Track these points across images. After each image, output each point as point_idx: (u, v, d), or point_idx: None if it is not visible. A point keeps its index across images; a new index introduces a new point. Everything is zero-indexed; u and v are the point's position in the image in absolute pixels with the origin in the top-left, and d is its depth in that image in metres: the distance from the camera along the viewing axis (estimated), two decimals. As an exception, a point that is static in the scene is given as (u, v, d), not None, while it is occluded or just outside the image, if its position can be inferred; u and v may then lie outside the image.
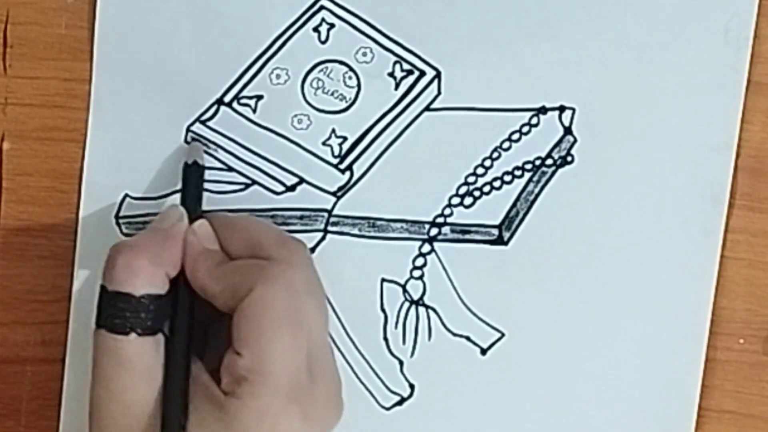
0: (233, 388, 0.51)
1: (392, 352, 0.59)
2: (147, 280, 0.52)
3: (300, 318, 0.52)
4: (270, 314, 0.51)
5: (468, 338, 0.59)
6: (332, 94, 0.58)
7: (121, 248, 0.53)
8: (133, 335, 0.52)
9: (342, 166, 0.58)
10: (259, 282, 0.52)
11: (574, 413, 0.59)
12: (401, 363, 0.59)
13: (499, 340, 0.59)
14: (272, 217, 0.58)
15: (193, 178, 0.57)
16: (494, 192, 0.59)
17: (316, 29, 0.58)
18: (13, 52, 0.58)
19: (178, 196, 0.57)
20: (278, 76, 0.58)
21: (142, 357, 0.52)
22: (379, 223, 0.58)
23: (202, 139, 0.58)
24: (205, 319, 0.55)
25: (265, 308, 0.51)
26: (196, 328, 0.55)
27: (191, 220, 0.55)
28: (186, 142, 0.58)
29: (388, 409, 0.59)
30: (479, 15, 0.58)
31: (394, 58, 0.58)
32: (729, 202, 0.59)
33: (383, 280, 0.59)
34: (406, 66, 0.58)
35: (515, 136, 0.59)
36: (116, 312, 0.52)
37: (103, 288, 0.53)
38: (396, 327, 0.59)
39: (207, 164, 0.58)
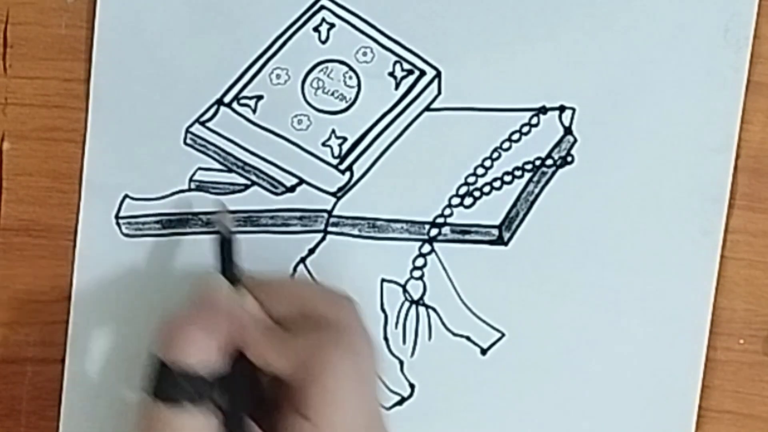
0: None
1: (392, 352, 0.59)
2: (203, 351, 0.52)
3: (364, 380, 0.52)
4: (342, 382, 0.51)
5: (468, 338, 0.59)
6: (332, 94, 0.58)
7: (177, 321, 0.52)
8: (188, 406, 0.51)
9: (342, 167, 0.58)
10: (330, 353, 0.52)
11: (574, 413, 0.59)
12: (401, 363, 0.59)
13: (499, 340, 0.59)
14: (272, 218, 0.58)
15: (228, 250, 0.56)
16: (494, 192, 0.59)
17: (316, 29, 0.58)
18: (13, 52, 0.58)
19: (181, 196, 0.57)
20: (278, 76, 0.58)
21: (197, 428, 0.51)
22: (379, 223, 0.58)
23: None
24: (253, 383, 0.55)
25: (337, 377, 0.51)
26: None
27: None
28: (186, 143, 0.58)
29: (388, 409, 0.59)
30: (479, 15, 0.58)
31: (395, 58, 0.58)
32: (729, 202, 0.59)
33: (383, 280, 0.59)
34: (406, 66, 0.58)
35: (515, 136, 0.59)
36: (172, 383, 0.51)
37: (156, 359, 0.52)
38: (396, 327, 0.59)
39: (205, 165, 0.58)
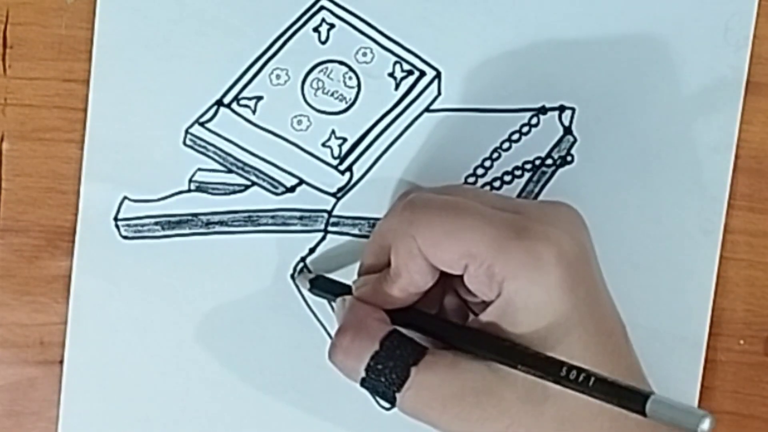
0: None
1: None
2: (364, 342, 0.52)
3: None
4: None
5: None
6: (332, 95, 0.58)
7: (333, 351, 0.53)
8: (412, 372, 0.51)
9: (342, 168, 0.58)
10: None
11: (573, 413, 0.59)
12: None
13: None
14: (272, 217, 0.58)
15: (321, 289, 0.57)
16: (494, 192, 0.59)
17: (316, 29, 0.58)
18: (13, 52, 0.58)
19: (180, 197, 0.58)
20: (278, 77, 0.58)
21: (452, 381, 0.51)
22: (379, 223, 0.58)
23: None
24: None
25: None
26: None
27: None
28: (185, 144, 0.58)
29: (388, 409, 0.59)
30: (479, 15, 0.58)
31: (394, 59, 0.58)
32: (729, 203, 0.59)
33: (383, 280, 0.59)
34: (406, 66, 0.58)
35: (515, 137, 0.59)
36: (383, 380, 0.51)
37: (362, 384, 0.52)
38: (396, 327, 0.59)
39: (205, 166, 0.58)
